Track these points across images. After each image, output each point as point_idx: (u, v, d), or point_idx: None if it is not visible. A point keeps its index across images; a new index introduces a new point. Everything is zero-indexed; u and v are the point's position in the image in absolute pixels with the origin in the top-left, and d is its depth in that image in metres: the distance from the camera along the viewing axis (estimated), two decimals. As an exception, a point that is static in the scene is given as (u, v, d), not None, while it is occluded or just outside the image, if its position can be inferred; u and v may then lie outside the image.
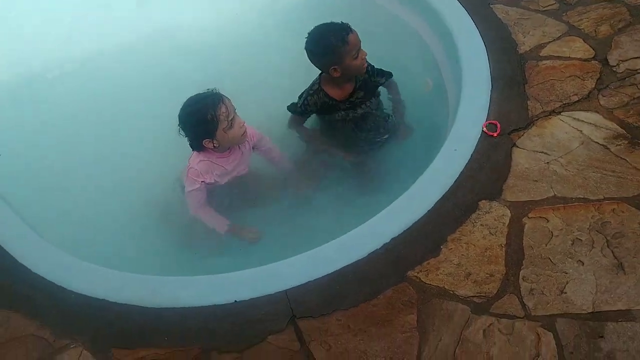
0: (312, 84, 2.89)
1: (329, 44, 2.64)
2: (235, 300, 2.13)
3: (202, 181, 2.64)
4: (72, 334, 2.16)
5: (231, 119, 2.50)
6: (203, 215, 2.71)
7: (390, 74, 3.00)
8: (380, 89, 3.02)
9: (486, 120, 2.61)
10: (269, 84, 3.43)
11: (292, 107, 2.96)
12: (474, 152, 2.50)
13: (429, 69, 3.22)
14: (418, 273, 2.16)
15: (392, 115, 3.06)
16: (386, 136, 3.03)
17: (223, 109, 2.46)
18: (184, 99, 2.57)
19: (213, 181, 2.69)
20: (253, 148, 2.84)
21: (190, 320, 2.13)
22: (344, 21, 2.69)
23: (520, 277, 2.10)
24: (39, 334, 2.18)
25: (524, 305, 2.02)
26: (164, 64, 3.66)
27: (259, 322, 2.09)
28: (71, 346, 2.13)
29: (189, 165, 2.65)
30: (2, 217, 2.59)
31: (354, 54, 2.66)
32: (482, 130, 2.57)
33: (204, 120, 2.47)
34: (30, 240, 2.49)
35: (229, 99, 2.53)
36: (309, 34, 2.72)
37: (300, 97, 2.93)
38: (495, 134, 2.55)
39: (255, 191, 2.90)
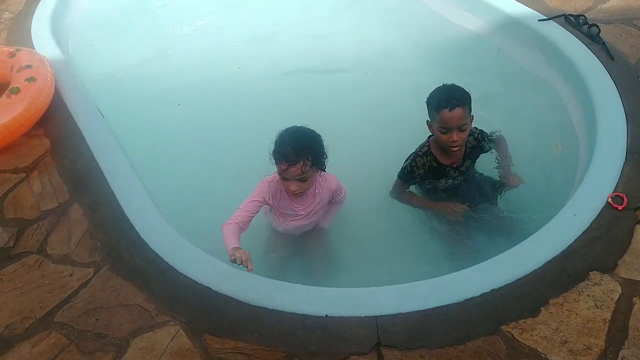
0: (421, 146, 2.87)
1: (430, 98, 2.68)
2: (327, 315, 2.20)
3: (263, 199, 2.63)
4: (173, 312, 2.34)
5: (283, 175, 2.48)
6: (227, 229, 2.48)
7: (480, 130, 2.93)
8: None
9: (613, 192, 2.52)
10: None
11: (400, 172, 2.91)
12: (594, 221, 2.42)
13: (563, 130, 3.17)
14: (512, 329, 2.11)
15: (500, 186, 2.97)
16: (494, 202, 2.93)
17: (283, 167, 2.44)
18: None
19: (279, 211, 2.72)
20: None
21: (281, 323, 2.22)
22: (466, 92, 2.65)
23: (620, 356, 1.99)
24: (145, 305, 2.38)
25: (618, 385, 1.92)
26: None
27: (345, 341, 2.14)
28: (170, 323, 2.30)
29: (268, 178, 2.66)
30: (135, 196, 2.86)
31: (443, 129, 2.64)
32: (607, 201, 2.48)
33: (274, 152, 2.48)
34: (153, 218, 2.73)
35: (302, 170, 2.44)
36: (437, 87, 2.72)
37: (407, 159, 2.89)
38: (620, 207, 2.45)
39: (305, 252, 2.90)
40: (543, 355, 2.02)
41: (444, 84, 2.70)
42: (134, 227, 2.68)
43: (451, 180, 2.86)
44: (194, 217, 3.02)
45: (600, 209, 2.46)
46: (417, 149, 2.87)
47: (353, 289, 2.30)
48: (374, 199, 3.06)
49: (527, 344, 2.06)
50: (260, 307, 2.27)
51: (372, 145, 3.42)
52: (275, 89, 3.94)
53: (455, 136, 2.61)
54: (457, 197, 2.87)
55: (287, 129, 2.52)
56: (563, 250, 2.33)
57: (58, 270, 2.59)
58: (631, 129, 2.82)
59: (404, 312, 2.18)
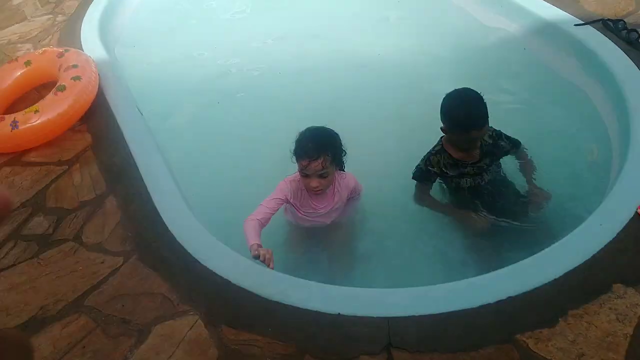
0: (434, 146, 2.85)
1: (448, 114, 2.65)
2: (339, 313, 2.22)
3: (285, 196, 2.68)
4: (193, 303, 2.41)
5: (304, 172, 2.55)
6: (248, 224, 2.50)
7: (518, 143, 2.90)
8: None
9: (643, 203, 2.44)
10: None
11: (415, 172, 2.90)
12: (620, 231, 2.34)
13: (596, 137, 3.10)
14: (527, 338, 2.07)
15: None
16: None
17: (304, 163, 2.52)
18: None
19: (298, 210, 2.76)
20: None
21: (295, 319, 2.26)
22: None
23: (640, 374, 1.92)
24: (168, 295, 2.47)
25: (636, 404, 1.85)
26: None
27: (356, 340, 2.15)
28: (190, 313, 2.37)
29: (288, 178, 2.72)
30: (166, 189, 2.97)
31: (464, 144, 2.67)
32: (636, 212, 2.40)
33: (295, 149, 2.57)
34: (181, 213, 2.83)
35: (322, 165, 2.51)
36: (452, 97, 2.67)
37: (420, 160, 2.88)
38: (649, 219, 2.37)
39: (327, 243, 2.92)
40: (557, 367, 1.98)
41: (456, 92, 2.66)
42: (163, 220, 2.78)
43: (470, 179, 2.81)
44: (220, 212, 3.10)
45: (628, 220, 2.38)
46: (430, 149, 2.86)
47: (367, 289, 2.31)
48: (395, 200, 3.06)
49: (542, 355, 2.01)
50: (276, 302, 2.31)
51: (399, 146, 3.42)
52: (314, 93, 3.99)
53: (476, 144, 2.67)
54: (482, 199, 2.83)
55: (307, 128, 2.62)
56: (586, 260, 2.26)
57: (91, 258, 2.72)
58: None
59: (416, 314, 2.17)
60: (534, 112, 3.40)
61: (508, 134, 2.89)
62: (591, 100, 3.27)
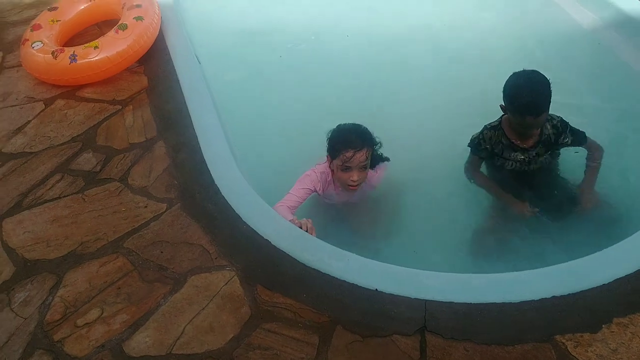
0: (492, 122, 2.78)
1: (511, 95, 2.56)
2: (377, 289, 2.19)
3: (314, 187, 2.70)
4: (231, 258, 2.42)
5: (347, 166, 2.56)
6: (280, 208, 2.61)
7: (583, 137, 2.76)
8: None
9: None
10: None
11: (470, 142, 2.85)
12: (677, 245, 2.24)
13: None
14: (567, 341, 2.01)
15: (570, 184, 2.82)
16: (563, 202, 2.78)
17: (349, 154, 2.53)
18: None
19: (322, 196, 2.77)
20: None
21: (331, 288, 2.24)
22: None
23: (681, 393, 1.85)
24: (207, 247, 2.48)
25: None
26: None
27: (391, 318, 2.13)
28: (227, 268, 2.38)
29: (315, 168, 2.75)
30: (215, 142, 2.96)
31: (523, 129, 2.58)
32: (697, 227, 2.28)
33: (335, 143, 2.60)
34: (229, 167, 2.82)
35: (366, 156, 2.56)
36: (517, 78, 2.58)
37: (473, 137, 2.83)
38: None
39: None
40: (594, 374, 1.92)
41: (523, 72, 2.56)
42: (209, 172, 2.79)
43: (519, 164, 2.73)
44: (267, 173, 3.09)
45: (689, 229, 2.28)
46: (484, 126, 2.79)
47: (407, 269, 2.26)
48: (431, 181, 3.04)
49: (580, 359, 1.96)
50: (314, 269, 2.30)
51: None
52: (381, 60, 3.92)
53: (534, 133, 2.60)
54: (525, 186, 2.75)
55: (343, 125, 2.66)
56: (638, 270, 2.17)
57: (135, 200, 2.75)
58: None
59: (455, 301, 2.13)
60: (605, 106, 3.25)
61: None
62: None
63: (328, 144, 2.66)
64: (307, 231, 2.42)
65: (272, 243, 2.41)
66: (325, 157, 2.71)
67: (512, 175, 2.77)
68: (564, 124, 2.72)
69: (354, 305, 2.18)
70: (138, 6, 3.58)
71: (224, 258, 2.42)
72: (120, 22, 3.48)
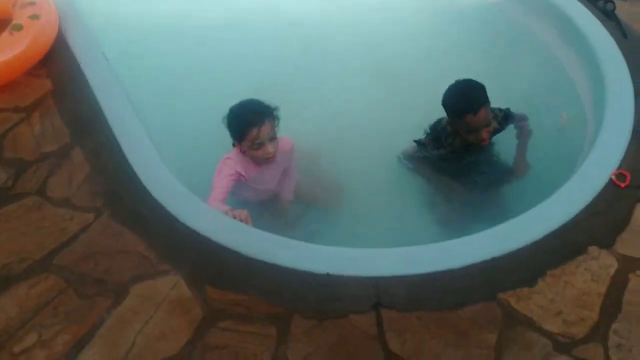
0: (444, 128, 2.83)
1: (448, 104, 2.66)
2: (328, 273, 2.22)
3: (235, 171, 2.67)
4: (173, 262, 2.34)
5: (259, 142, 2.55)
6: (212, 203, 2.58)
7: (509, 115, 2.90)
8: None
9: (617, 169, 2.53)
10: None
11: (419, 141, 2.92)
12: (596, 197, 2.44)
13: (570, 104, 3.16)
14: (509, 297, 2.15)
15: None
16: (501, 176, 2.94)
17: (254, 132, 2.52)
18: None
19: (248, 181, 2.75)
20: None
21: (282, 279, 2.24)
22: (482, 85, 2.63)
23: (612, 329, 2.04)
24: (145, 253, 2.38)
25: (607, 357, 1.96)
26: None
27: (345, 300, 2.17)
28: (170, 273, 2.30)
29: (227, 156, 2.72)
30: (138, 142, 2.83)
31: (470, 131, 2.64)
32: (611, 178, 2.49)
33: (236, 128, 2.60)
34: (156, 166, 2.71)
35: (271, 126, 2.57)
36: (450, 86, 2.69)
37: (430, 133, 2.89)
38: (623, 185, 2.47)
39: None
40: (537, 324, 2.06)
41: (456, 83, 2.67)
42: (136, 174, 2.66)
43: (468, 154, 2.86)
44: (196, 166, 2.98)
45: (603, 185, 2.48)
46: (439, 130, 2.85)
47: (356, 250, 2.31)
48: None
49: (523, 312, 2.10)
50: (262, 261, 2.28)
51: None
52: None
53: (484, 134, 2.63)
54: (467, 170, 2.88)
55: (236, 106, 2.62)
56: (564, 224, 2.35)
57: (58, 213, 2.57)
58: (639, 108, 2.83)
59: (405, 274, 2.20)
60: (510, 77, 3.40)
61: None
62: (565, 66, 3.33)
63: (230, 130, 2.62)
64: (242, 221, 2.40)
65: (215, 240, 2.36)
66: (232, 146, 2.69)
67: (451, 159, 2.88)
68: (506, 116, 2.85)
69: (307, 292, 2.20)
70: (32, 3, 3.30)
71: (165, 262, 2.34)
72: (13, 23, 3.20)
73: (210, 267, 2.31)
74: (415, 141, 2.93)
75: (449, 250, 2.29)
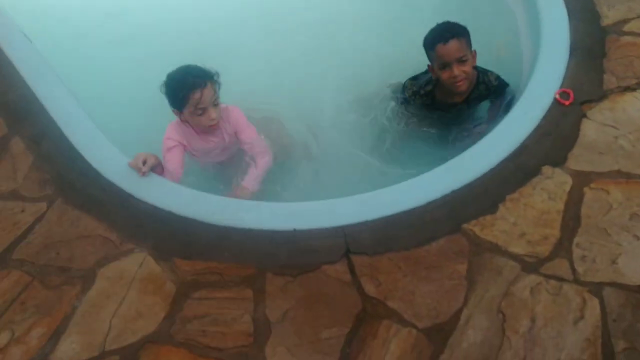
0: (427, 83, 2.82)
1: (425, 40, 2.66)
2: (295, 229, 2.23)
3: (178, 142, 2.63)
4: (137, 240, 2.31)
5: (202, 108, 2.47)
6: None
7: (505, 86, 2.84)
8: None
9: (560, 88, 2.59)
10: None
11: (402, 88, 2.93)
12: (543, 117, 2.49)
13: (508, 30, 3.17)
14: (473, 227, 2.21)
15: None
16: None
17: (197, 95, 2.43)
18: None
19: (193, 153, 2.72)
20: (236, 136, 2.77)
21: (250, 241, 2.24)
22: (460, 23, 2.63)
23: (574, 243, 2.12)
24: (106, 235, 2.34)
25: (574, 270, 2.05)
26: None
27: (315, 252, 2.19)
28: (136, 250, 2.28)
29: (166, 134, 2.65)
30: (79, 123, 2.73)
31: (442, 64, 2.61)
32: (555, 98, 2.55)
33: (175, 94, 2.49)
34: (103, 146, 2.63)
35: (213, 90, 2.49)
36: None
37: (409, 87, 2.89)
38: (567, 103, 2.54)
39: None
40: (503, 248, 2.13)
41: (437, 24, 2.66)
42: (83, 157, 2.58)
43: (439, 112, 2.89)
44: (141, 138, 2.89)
45: (548, 105, 2.53)
46: (422, 83, 2.85)
47: (318, 202, 2.32)
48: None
49: (488, 239, 2.16)
50: (228, 226, 2.27)
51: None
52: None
53: (455, 70, 2.58)
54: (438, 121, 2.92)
55: (174, 72, 2.53)
56: (516, 148, 2.40)
57: (8, 207, 2.49)
58: (573, 25, 2.87)
59: (369, 219, 2.23)
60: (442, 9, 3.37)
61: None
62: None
63: (168, 97, 2.52)
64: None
65: (177, 213, 2.33)
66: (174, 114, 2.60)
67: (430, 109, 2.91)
68: (500, 83, 2.81)
69: (277, 250, 2.21)
70: None
71: (129, 241, 2.30)
72: None
73: (176, 240, 2.29)
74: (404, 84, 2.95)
75: (409, 189, 2.32)
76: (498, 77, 2.80)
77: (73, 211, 2.43)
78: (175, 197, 2.37)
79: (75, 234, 2.36)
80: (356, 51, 3.36)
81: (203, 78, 2.46)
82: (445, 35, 2.56)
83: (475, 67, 2.74)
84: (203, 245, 2.26)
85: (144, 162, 2.45)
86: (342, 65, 3.30)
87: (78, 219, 2.41)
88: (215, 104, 2.52)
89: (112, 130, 2.77)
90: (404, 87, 2.92)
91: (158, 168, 2.54)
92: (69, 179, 2.54)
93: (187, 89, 2.44)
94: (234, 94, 2.73)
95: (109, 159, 2.57)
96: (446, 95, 2.80)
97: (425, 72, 2.85)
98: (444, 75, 2.63)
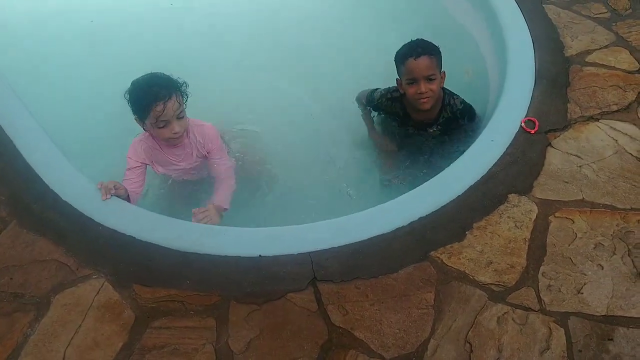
0: (395, 90, 2.83)
1: (397, 53, 2.68)
2: (260, 255, 2.17)
3: (140, 163, 2.57)
4: (95, 265, 2.22)
5: (164, 120, 2.38)
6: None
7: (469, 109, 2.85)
8: None
9: (525, 117, 2.63)
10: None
11: (370, 93, 2.96)
12: (509, 145, 2.52)
13: (473, 59, 3.22)
14: (441, 254, 2.19)
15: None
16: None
17: (159, 108, 2.33)
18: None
19: (157, 169, 2.66)
20: (207, 155, 2.70)
21: (214, 268, 2.17)
22: (433, 43, 2.65)
23: (540, 272, 2.13)
24: (63, 260, 2.24)
25: (540, 299, 2.06)
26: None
27: (281, 279, 2.13)
28: (93, 276, 2.18)
29: (129, 151, 2.59)
30: (37, 143, 2.62)
31: (410, 80, 2.61)
32: (521, 126, 2.59)
33: (138, 103, 2.40)
34: (62, 168, 2.53)
35: (178, 102, 2.40)
36: None
37: (377, 91, 2.91)
38: (532, 131, 2.57)
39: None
40: (471, 277, 2.12)
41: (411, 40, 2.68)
42: (40, 178, 2.47)
43: (404, 130, 2.90)
44: (102, 162, 2.82)
45: (514, 133, 2.57)
46: (389, 89, 2.86)
47: (285, 227, 2.28)
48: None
49: (456, 267, 2.15)
50: (190, 252, 2.20)
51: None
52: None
53: (422, 87, 2.58)
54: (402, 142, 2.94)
55: (139, 80, 2.43)
56: (483, 175, 2.42)
57: (-42, 231, 2.36)
58: (538, 54, 2.94)
59: (336, 246, 2.20)
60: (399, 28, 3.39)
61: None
62: (464, 23, 3.37)
63: (131, 105, 2.41)
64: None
65: (137, 237, 2.25)
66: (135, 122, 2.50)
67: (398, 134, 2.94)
68: (466, 108, 2.81)
69: (242, 277, 2.15)
70: None
71: (86, 267, 2.21)
72: None
73: (136, 265, 2.20)
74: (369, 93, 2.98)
75: (377, 216, 2.30)
76: (463, 101, 2.81)
77: (28, 234, 2.33)
78: (136, 221, 2.29)
79: (29, 258, 2.25)
80: (334, 72, 3.38)
81: (168, 89, 2.36)
82: (418, 51, 2.58)
83: (443, 89, 2.76)
84: (164, 271, 2.18)
85: (114, 188, 2.38)
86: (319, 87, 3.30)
87: (33, 242, 2.30)
88: (180, 117, 2.42)
89: (71, 150, 2.68)
90: (372, 92, 2.95)
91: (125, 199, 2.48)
92: (24, 201, 2.43)
93: (150, 99, 2.33)
94: (207, 112, 2.70)
95: (67, 180, 2.47)
96: (415, 112, 2.79)
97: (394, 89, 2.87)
98: (410, 91, 2.63)
